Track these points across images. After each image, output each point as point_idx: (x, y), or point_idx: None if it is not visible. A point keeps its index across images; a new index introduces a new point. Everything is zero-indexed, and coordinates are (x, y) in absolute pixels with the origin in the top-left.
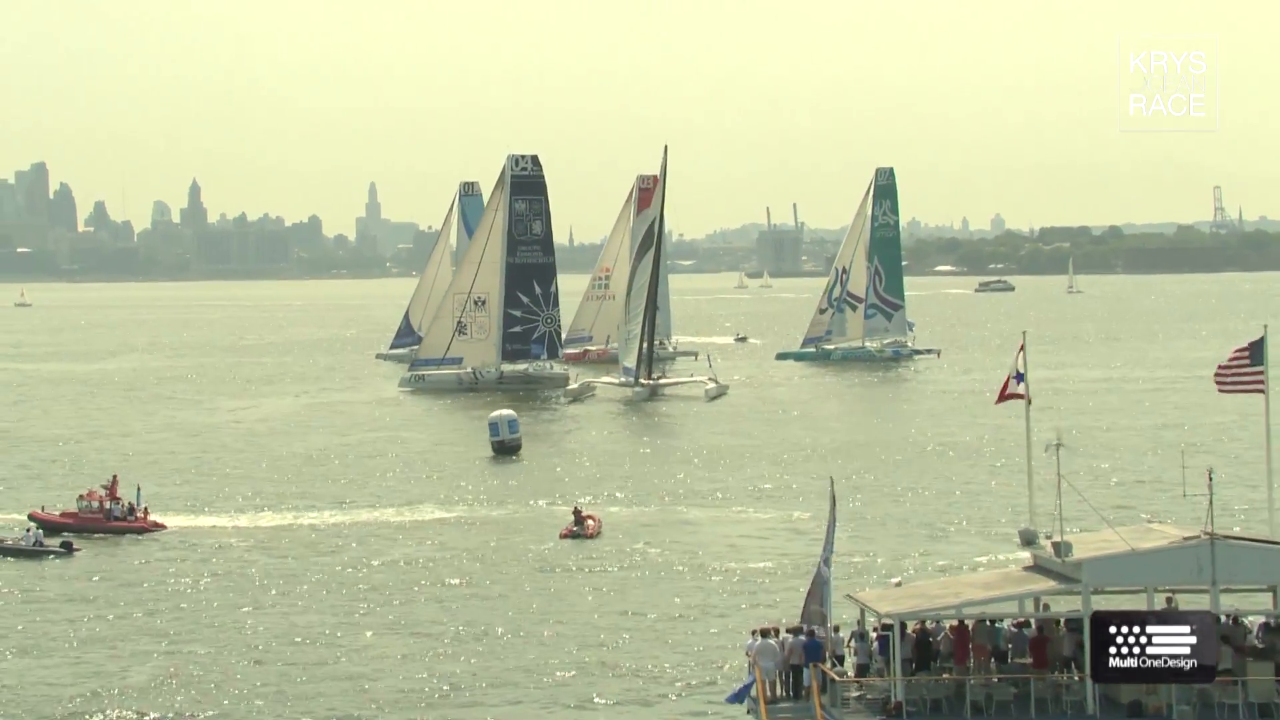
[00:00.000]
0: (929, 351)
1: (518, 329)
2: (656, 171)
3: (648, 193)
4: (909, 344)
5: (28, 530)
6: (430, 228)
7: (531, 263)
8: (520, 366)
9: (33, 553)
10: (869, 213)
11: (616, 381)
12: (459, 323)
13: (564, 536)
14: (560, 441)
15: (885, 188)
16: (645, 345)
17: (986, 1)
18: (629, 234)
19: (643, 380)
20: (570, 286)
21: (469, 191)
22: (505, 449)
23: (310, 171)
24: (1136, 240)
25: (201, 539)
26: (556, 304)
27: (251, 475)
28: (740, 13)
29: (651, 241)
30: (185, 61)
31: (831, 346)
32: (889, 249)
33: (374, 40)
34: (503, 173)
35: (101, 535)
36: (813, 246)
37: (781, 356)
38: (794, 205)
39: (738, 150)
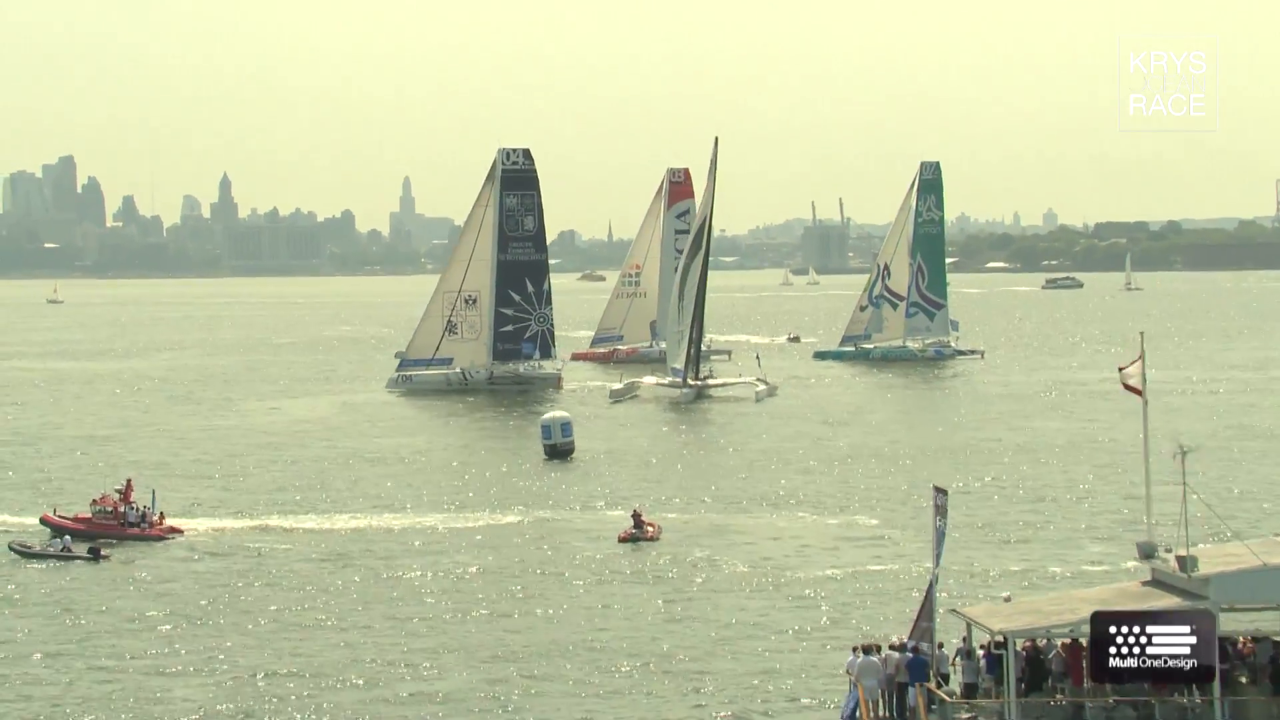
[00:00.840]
0: (972, 352)
1: (509, 328)
2: (687, 165)
3: (679, 186)
4: (952, 343)
5: (57, 537)
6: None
7: (523, 260)
8: (512, 366)
9: (60, 558)
10: (913, 208)
11: (664, 382)
12: (449, 322)
13: (623, 540)
14: (612, 444)
15: (930, 182)
16: (693, 346)
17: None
18: (660, 229)
19: (690, 380)
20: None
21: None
22: (558, 452)
23: (343, 165)
24: (1196, 236)
25: (223, 545)
26: (549, 302)
27: (280, 478)
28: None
29: (702, 240)
30: (215, 52)
31: (871, 345)
32: (933, 245)
33: (408, 30)
34: (493, 167)
35: (116, 541)
36: (859, 242)
37: (819, 355)
38: (840, 200)
39: (781, 143)
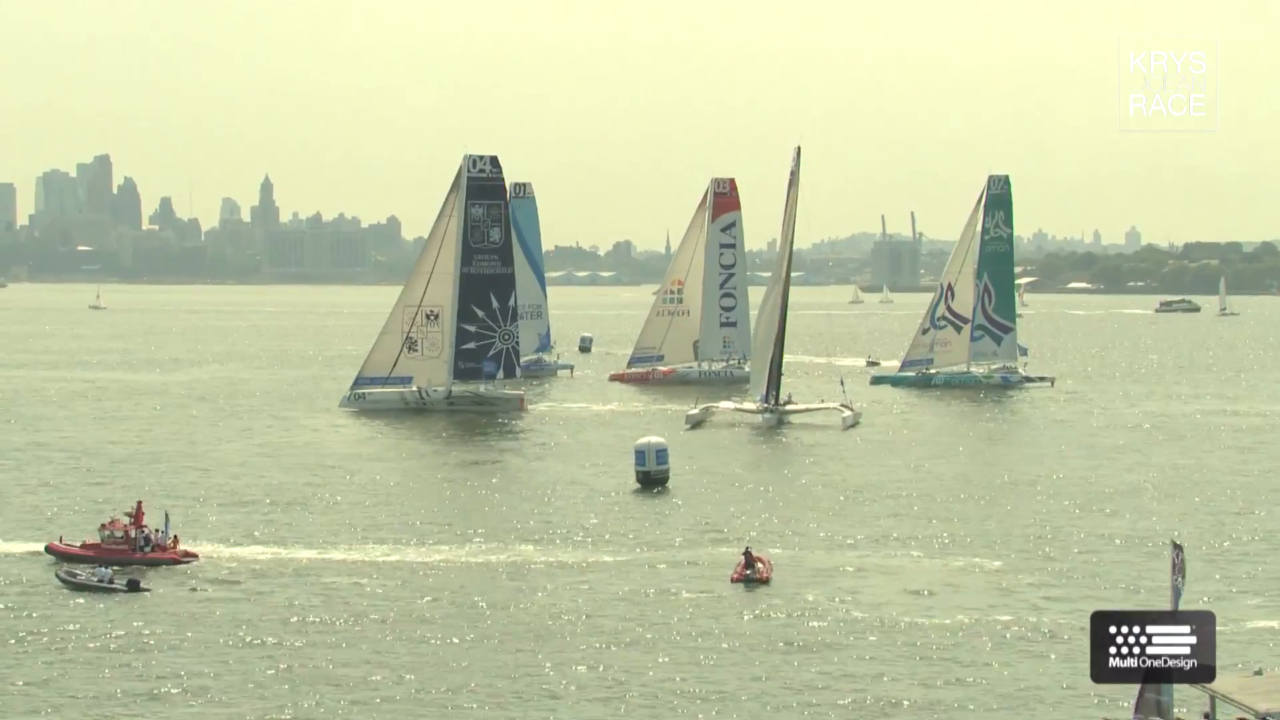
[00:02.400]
0: (1041, 379)
1: (471, 345)
2: (733, 175)
3: (724, 198)
4: (1020, 369)
5: (101, 566)
6: None
7: (488, 273)
8: (473, 386)
9: (101, 590)
10: (979, 224)
11: (743, 406)
12: (409, 338)
13: (735, 580)
14: (704, 472)
15: (998, 197)
16: (774, 368)
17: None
18: (703, 242)
19: (771, 405)
20: (638, 299)
21: (520, 193)
22: (652, 480)
23: (389, 169)
24: None
25: (249, 572)
26: (516, 318)
27: (332, 501)
28: (836, 5)
29: (785, 257)
30: (256, 51)
31: (934, 371)
32: (1001, 265)
33: (454, 34)
34: (458, 175)
35: (129, 568)
36: (931, 259)
37: (877, 381)
38: (911, 214)
39: (845, 153)
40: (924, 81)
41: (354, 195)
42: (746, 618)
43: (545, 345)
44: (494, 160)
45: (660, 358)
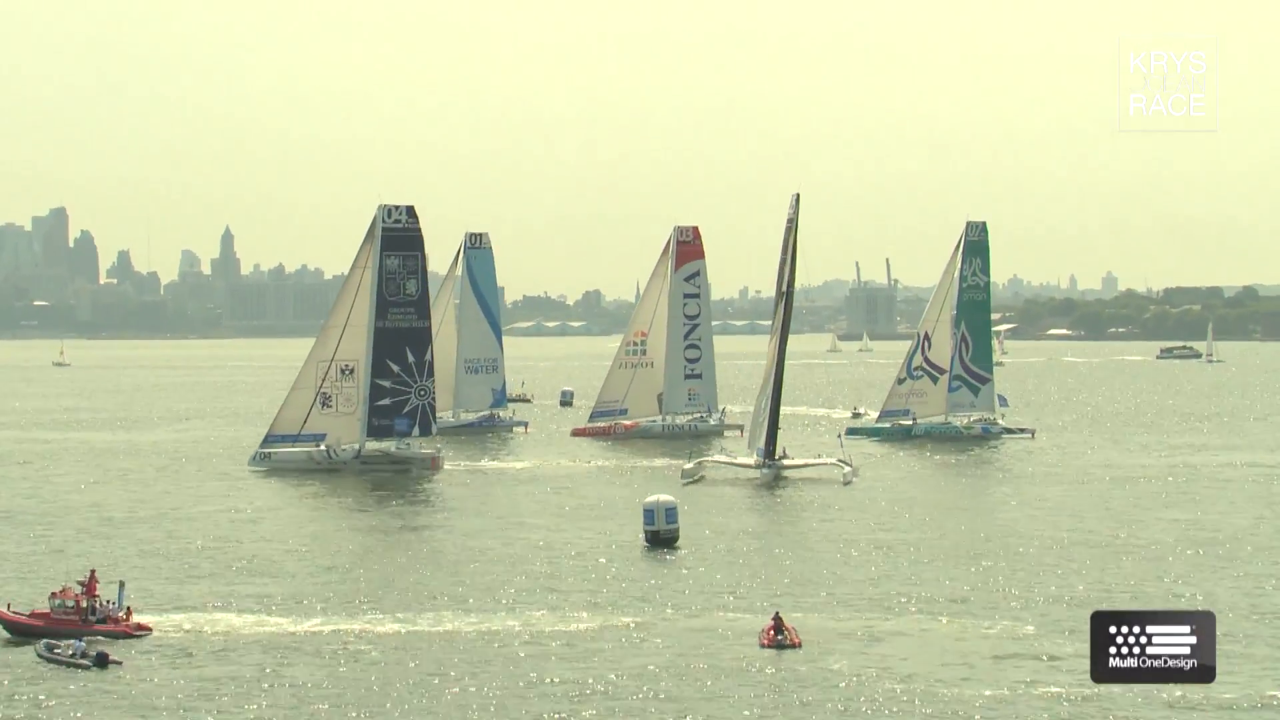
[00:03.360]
0: (1021, 431)
1: (386, 401)
2: (696, 223)
3: (687, 246)
4: (999, 420)
5: (78, 639)
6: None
7: (404, 327)
8: (386, 445)
9: (70, 664)
10: (957, 271)
11: (737, 461)
12: (322, 393)
13: (765, 646)
14: (714, 531)
15: (976, 244)
16: (773, 421)
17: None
18: (666, 293)
19: (766, 460)
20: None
21: (476, 244)
22: (660, 540)
23: (351, 220)
24: (1276, 303)
25: (211, 645)
26: (431, 373)
27: (300, 565)
28: (802, 49)
29: (782, 306)
30: (216, 101)
31: (910, 422)
32: (978, 313)
33: (419, 82)
34: (372, 225)
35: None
36: (907, 306)
37: (852, 432)
38: (887, 260)
39: (818, 198)
40: (897, 124)
41: (317, 246)
42: (779, 687)
43: (500, 401)
44: (410, 210)
45: (623, 411)
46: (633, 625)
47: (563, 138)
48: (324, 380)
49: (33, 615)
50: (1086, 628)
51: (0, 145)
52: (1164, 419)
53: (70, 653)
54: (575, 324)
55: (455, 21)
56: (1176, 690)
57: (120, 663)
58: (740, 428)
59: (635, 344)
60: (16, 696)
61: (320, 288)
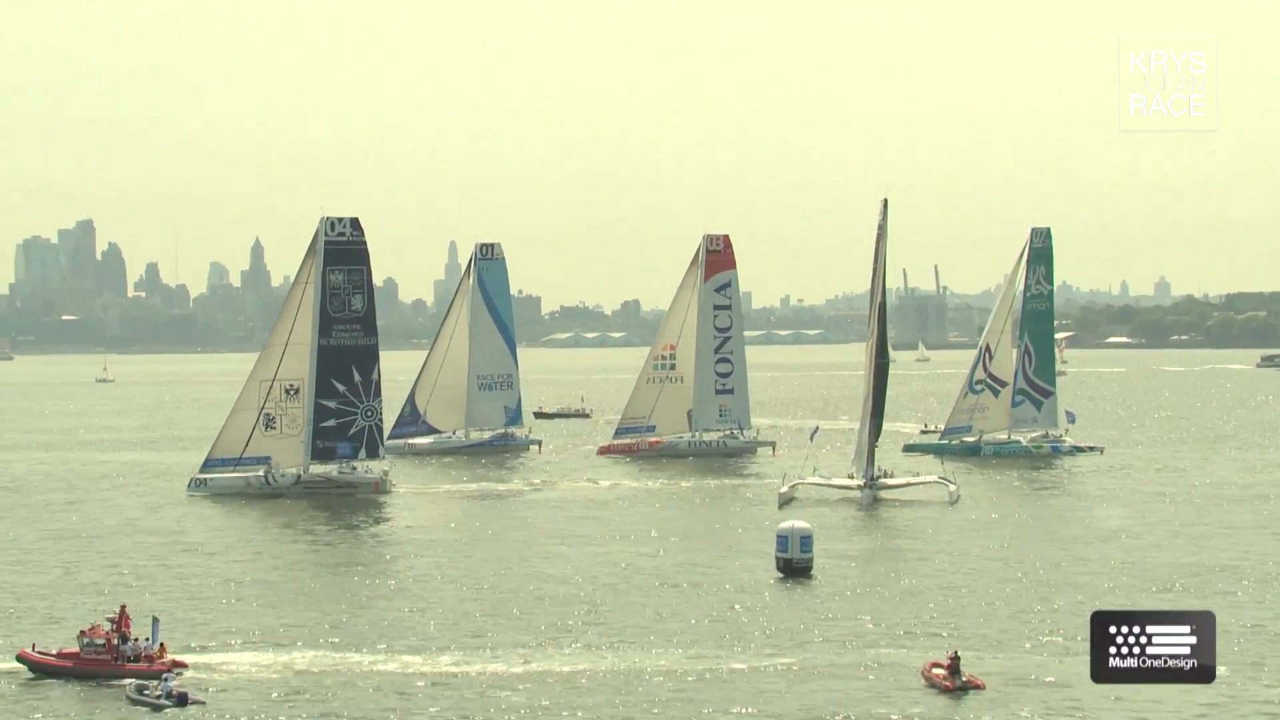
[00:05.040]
0: (1091, 448)
1: (331, 423)
2: (731, 230)
3: (717, 255)
4: (1065, 436)
5: (163, 677)
6: (520, 292)
7: (349, 345)
8: (329, 468)
9: (153, 705)
10: (1021, 280)
11: (833, 481)
12: (265, 415)
13: (949, 690)
14: (845, 559)
15: (1041, 251)
16: (874, 439)
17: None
18: (695, 304)
19: (861, 480)
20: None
21: (487, 254)
22: (794, 569)
23: (383, 230)
24: None
25: (264, 689)
26: (379, 393)
27: (365, 599)
28: (830, 57)
29: (874, 317)
30: (243, 112)
31: (973, 439)
32: (1041, 324)
33: (453, 94)
34: (315, 238)
35: (111, 681)
36: (957, 314)
37: (909, 449)
38: (935, 267)
39: (858, 205)
40: (940, 129)
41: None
42: None
43: (515, 418)
44: (354, 222)
45: (651, 428)
46: (783, 666)
47: (600, 146)
48: (267, 400)
49: (61, 655)
50: None
51: (26, 158)
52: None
53: (159, 693)
54: (615, 335)
55: (492, 34)
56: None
57: (203, 702)
58: (772, 444)
59: (663, 358)
60: None
61: None
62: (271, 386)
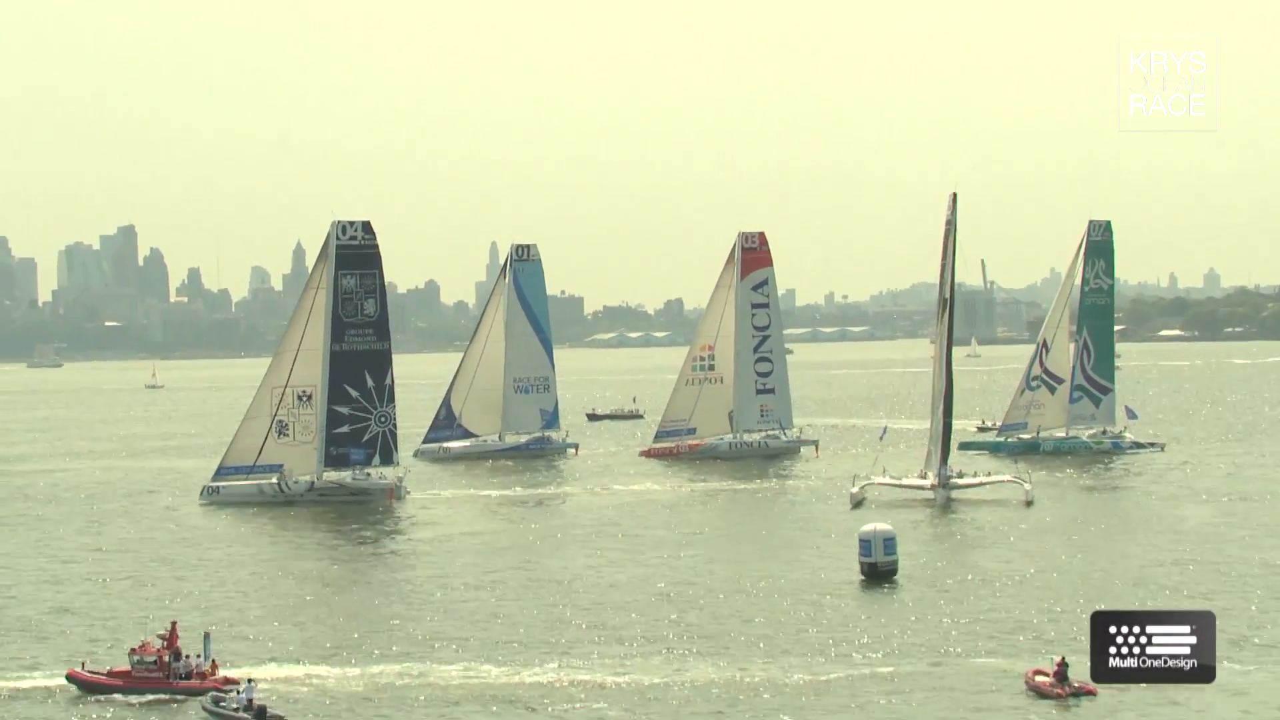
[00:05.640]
0: (1151, 445)
1: (344, 429)
2: (771, 227)
3: (753, 253)
4: (1125, 433)
5: (244, 686)
6: (563, 292)
7: (362, 349)
8: (343, 474)
9: (230, 718)
10: (1080, 274)
11: (904, 482)
12: (278, 421)
13: (1060, 696)
14: (929, 562)
15: (1100, 244)
16: (946, 437)
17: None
18: (732, 303)
19: (933, 478)
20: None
21: (523, 256)
22: (878, 573)
23: (426, 231)
24: None
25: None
26: (392, 399)
27: (448, 605)
28: (868, 52)
29: (944, 313)
30: (285, 115)
31: (1029, 435)
32: (1100, 318)
33: (488, 92)
34: (325, 243)
35: (161, 698)
36: (1004, 309)
37: (965, 447)
38: (982, 261)
39: (898, 202)
40: (985, 124)
41: (390, 259)
42: None
43: (552, 422)
44: (366, 225)
45: (691, 430)
46: (887, 675)
47: (643, 144)
48: (279, 407)
49: (111, 674)
50: None
51: (67, 163)
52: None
53: (234, 706)
54: (659, 334)
55: (535, 37)
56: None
57: (282, 716)
58: (815, 444)
59: (702, 359)
60: None
61: (394, 302)
62: (284, 393)
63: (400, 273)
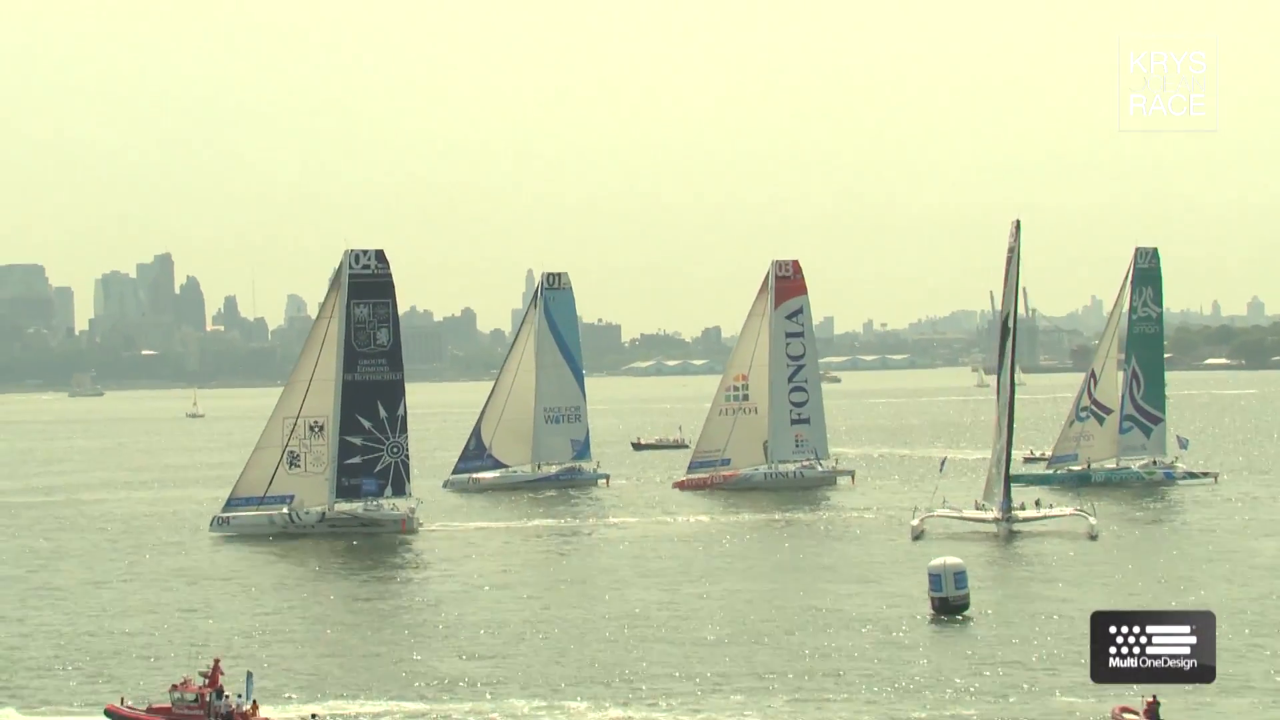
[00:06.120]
0: (1205, 475)
1: (356, 460)
2: (807, 255)
3: (787, 282)
4: (1177, 463)
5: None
6: (600, 320)
7: (375, 380)
8: (355, 505)
9: None
10: (1127, 303)
11: (966, 514)
12: (289, 452)
13: None
14: (1003, 597)
15: (1146, 271)
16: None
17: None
18: (766, 332)
19: (993, 510)
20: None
21: (554, 284)
22: (949, 607)
23: (462, 259)
24: None
25: None
26: (405, 429)
27: (474, 643)
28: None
29: (1008, 338)
30: (319, 145)
31: (1079, 467)
32: (1149, 347)
33: (528, 120)
34: (338, 272)
35: None
36: (1047, 338)
37: (1014, 480)
38: (1024, 290)
39: (934, 229)
40: (1018, 149)
41: (426, 287)
42: None
43: (583, 452)
44: (380, 255)
45: (726, 461)
46: (973, 717)
47: (678, 171)
48: (290, 438)
49: (151, 711)
50: None
51: (104, 192)
52: None
53: None
54: (697, 362)
55: (573, 67)
56: None
57: None
58: (851, 474)
59: (735, 388)
60: None
61: (431, 330)
62: (295, 424)
63: (437, 301)
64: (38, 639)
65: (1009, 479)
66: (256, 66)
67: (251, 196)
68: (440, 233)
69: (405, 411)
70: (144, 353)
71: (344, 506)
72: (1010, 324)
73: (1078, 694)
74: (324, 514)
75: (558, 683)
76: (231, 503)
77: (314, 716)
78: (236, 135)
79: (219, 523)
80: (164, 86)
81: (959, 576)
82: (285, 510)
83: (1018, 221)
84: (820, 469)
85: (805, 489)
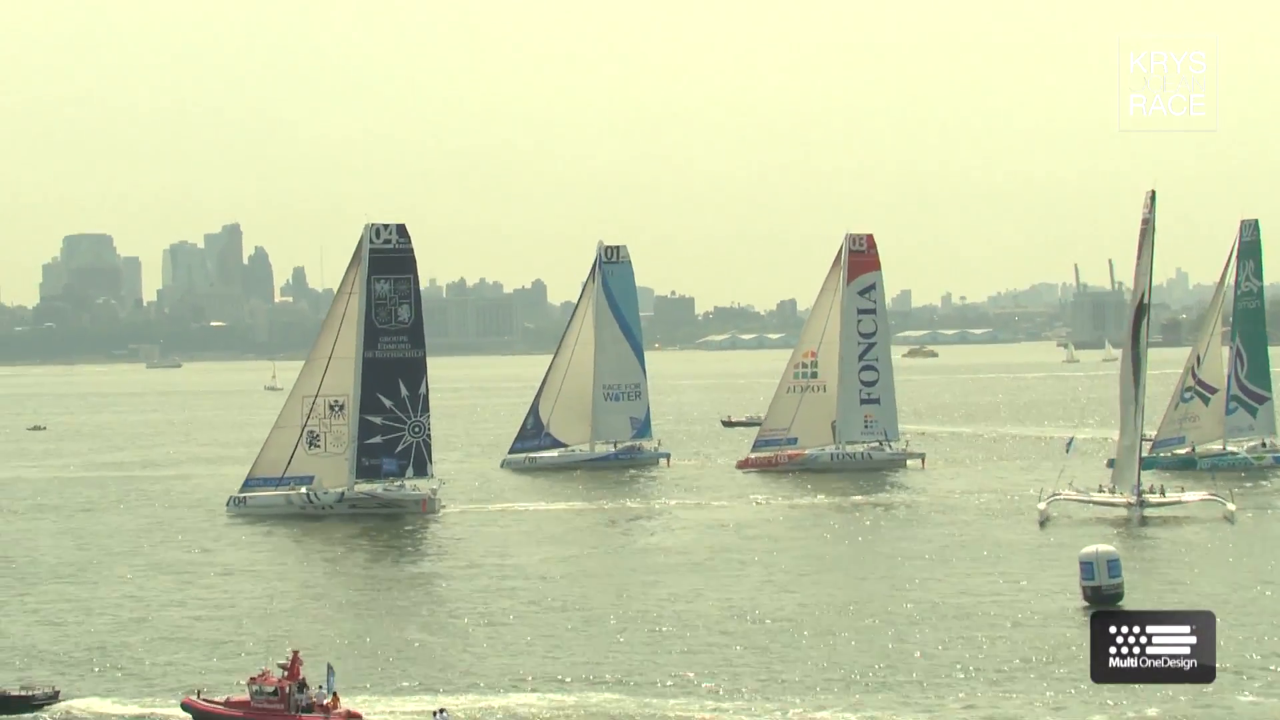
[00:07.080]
0: None
1: (377, 439)
2: (876, 228)
3: (860, 256)
4: None
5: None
6: (673, 292)
7: (396, 357)
8: (375, 485)
9: None
10: (1232, 277)
11: (1096, 498)
12: (309, 432)
13: None
14: (1159, 585)
15: (1250, 245)
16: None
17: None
18: (837, 308)
19: (1125, 495)
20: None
21: (612, 257)
22: (1103, 597)
23: (532, 230)
24: None
25: None
26: (427, 408)
27: (574, 634)
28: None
29: (1142, 320)
30: (388, 114)
31: (1185, 450)
32: (1253, 324)
33: (601, 91)
34: (358, 247)
35: None
36: None
37: (1112, 464)
38: (1110, 262)
39: (1010, 200)
40: (1091, 119)
41: (496, 259)
42: None
43: (644, 431)
44: (401, 229)
45: (792, 440)
46: (1153, 716)
47: (753, 143)
48: (309, 417)
49: (229, 704)
50: None
51: (172, 163)
52: None
53: None
54: (773, 335)
55: (649, 37)
56: None
57: None
58: (922, 456)
59: (804, 365)
60: None
61: (503, 302)
62: (314, 403)
63: (509, 273)
64: (129, 627)
65: (1141, 462)
66: (328, 40)
67: (320, 167)
68: (514, 204)
69: (427, 390)
70: (213, 324)
71: (364, 487)
72: (1146, 300)
73: (1265, 691)
74: (343, 494)
75: (653, 678)
76: (249, 483)
77: (441, 711)
78: (307, 105)
79: (236, 502)
80: (231, 58)
81: (1112, 564)
82: (304, 490)
83: (1152, 192)
84: (889, 451)
85: (874, 470)
